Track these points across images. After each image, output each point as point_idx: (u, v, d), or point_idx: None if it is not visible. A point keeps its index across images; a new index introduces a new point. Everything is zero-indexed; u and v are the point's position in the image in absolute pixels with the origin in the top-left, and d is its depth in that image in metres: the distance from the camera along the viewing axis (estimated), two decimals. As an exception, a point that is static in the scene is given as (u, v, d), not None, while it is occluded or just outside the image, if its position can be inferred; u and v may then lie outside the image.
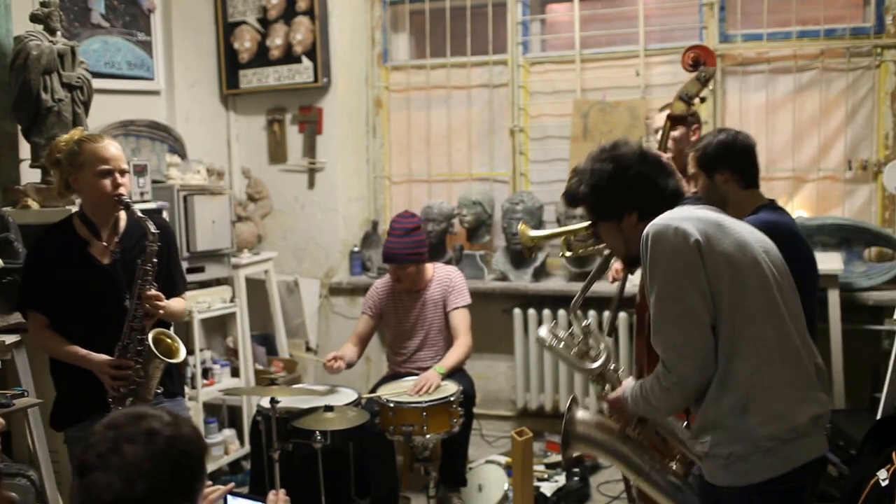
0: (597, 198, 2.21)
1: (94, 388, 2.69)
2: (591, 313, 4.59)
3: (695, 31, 4.68)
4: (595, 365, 2.39)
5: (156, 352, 2.66)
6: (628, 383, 2.25)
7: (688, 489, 2.30)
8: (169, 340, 2.76)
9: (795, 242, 2.79)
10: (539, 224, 4.80)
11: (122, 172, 2.75)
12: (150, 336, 2.69)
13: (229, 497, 1.71)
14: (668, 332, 2.00)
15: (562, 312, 4.66)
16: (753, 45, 4.56)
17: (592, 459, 4.38)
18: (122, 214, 2.81)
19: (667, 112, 3.53)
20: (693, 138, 3.64)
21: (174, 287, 2.94)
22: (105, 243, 2.79)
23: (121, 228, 2.81)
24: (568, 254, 3.20)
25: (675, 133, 3.62)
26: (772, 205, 2.90)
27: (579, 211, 4.67)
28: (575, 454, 2.46)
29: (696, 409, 2.10)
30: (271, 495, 1.61)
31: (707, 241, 1.99)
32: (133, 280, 2.72)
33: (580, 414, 2.43)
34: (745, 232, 2.10)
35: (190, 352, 4.33)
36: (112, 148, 2.75)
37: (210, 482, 1.76)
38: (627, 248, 2.22)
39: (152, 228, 2.69)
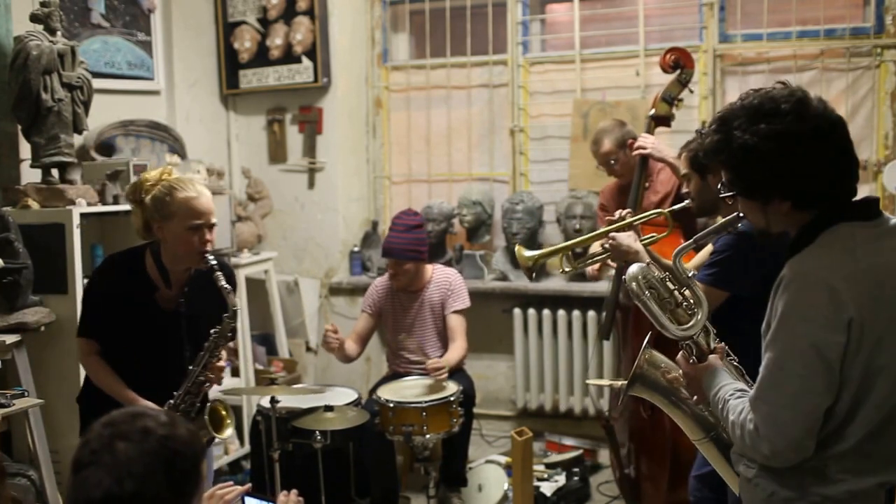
0: (741, 173, 1.77)
1: None
2: (591, 314, 4.59)
3: (695, 31, 4.68)
4: (688, 325, 1.98)
5: (209, 426, 2.60)
6: (713, 368, 1.93)
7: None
8: (223, 413, 2.68)
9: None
10: (539, 224, 4.80)
11: (212, 227, 2.63)
12: (209, 408, 2.64)
13: (246, 498, 1.72)
14: (776, 405, 1.69)
15: (561, 313, 4.66)
16: (753, 45, 4.56)
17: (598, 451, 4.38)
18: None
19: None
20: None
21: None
22: (173, 292, 2.69)
23: (190, 274, 2.70)
24: (567, 269, 3.13)
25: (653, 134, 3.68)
26: None
27: (579, 210, 4.71)
28: (635, 395, 2.17)
29: None
30: (282, 496, 1.61)
31: (860, 314, 1.65)
32: (193, 335, 2.63)
33: (656, 356, 2.13)
34: None
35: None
36: (204, 199, 2.62)
37: (220, 486, 1.76)
38: (769, 226, 1.83)
39: (235, 306, 2.59)
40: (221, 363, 2.65)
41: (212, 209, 2.63)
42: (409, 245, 3.92)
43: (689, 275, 2.00)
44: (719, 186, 1.87)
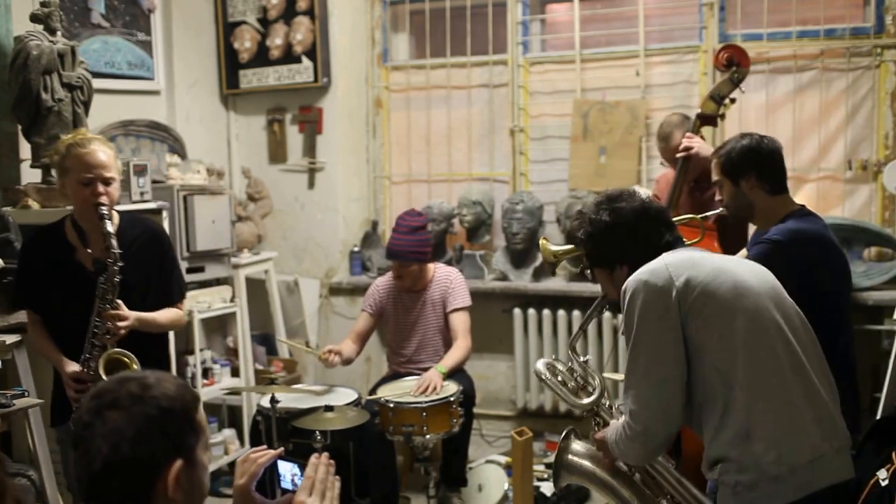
0: (592, 246, 2.30)
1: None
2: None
3: (695, 31, 4.68)
4: (587, 401, 2.42)
5: (104, 375, 2.61)
6: (613, 424, 2.28)
7: None
8: (126, 360, 2.69)
9: (825, 251, 2.69)
10: (539, 224, 4.80)
11: (106, 181, 2.69)
12: (103, 358, 2.65)
13: (279, 461, 1.74)
14: (636, 384, 2.05)
15: (561, 313, 4.66)
16: (753, 45, 4.55)
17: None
18: (116, 221, 2.76)
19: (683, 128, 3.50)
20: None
21: (168, 297, 2.90)
22: (91, 251, 2.77)
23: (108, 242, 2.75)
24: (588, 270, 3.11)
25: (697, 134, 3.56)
26: (801, 211, 2.79)
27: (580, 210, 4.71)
28: (566, 484, 2.50)
29: (705, 442, 2.09)
30: (313, 458, 1.62)
31: (683, 281, 2.04)
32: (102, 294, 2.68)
33: (575, 445, 2.46)
34: (722, 260, 2.17)
35: (190, 352, 4.34)
36: (100, 154, 2.70)
37: (254, 450, 1.78)
38: (617, 295, 2.24)
39: (115, 248, 2.64)
40: (119, 311, 2.66)
41: (105, 164, 2.69)
42: (414, 246, 3.91)
43: (582, 360, 2.51)
44: (581, 266, 2.37)
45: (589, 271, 2.36)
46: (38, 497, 3.24)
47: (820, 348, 2.12)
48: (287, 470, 1.63)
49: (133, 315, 2.70)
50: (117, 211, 2.79)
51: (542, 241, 3.09)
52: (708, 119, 3.54)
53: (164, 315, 2.87)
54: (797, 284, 2.23)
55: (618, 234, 2.23)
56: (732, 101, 3.52)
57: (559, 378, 2.49)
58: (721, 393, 1.99)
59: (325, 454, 1.66)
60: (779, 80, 4.56)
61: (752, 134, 2.84)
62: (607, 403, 2.45)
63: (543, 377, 2.48)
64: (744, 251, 3.00)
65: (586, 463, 2.41)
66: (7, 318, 3.29)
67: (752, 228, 3.25)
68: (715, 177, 2.85)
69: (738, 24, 4.56)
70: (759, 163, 2.76)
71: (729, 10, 4.59)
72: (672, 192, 3.55)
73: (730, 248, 3.31)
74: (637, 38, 4.74)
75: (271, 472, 1.68)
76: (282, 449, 1.78)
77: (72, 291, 2.75)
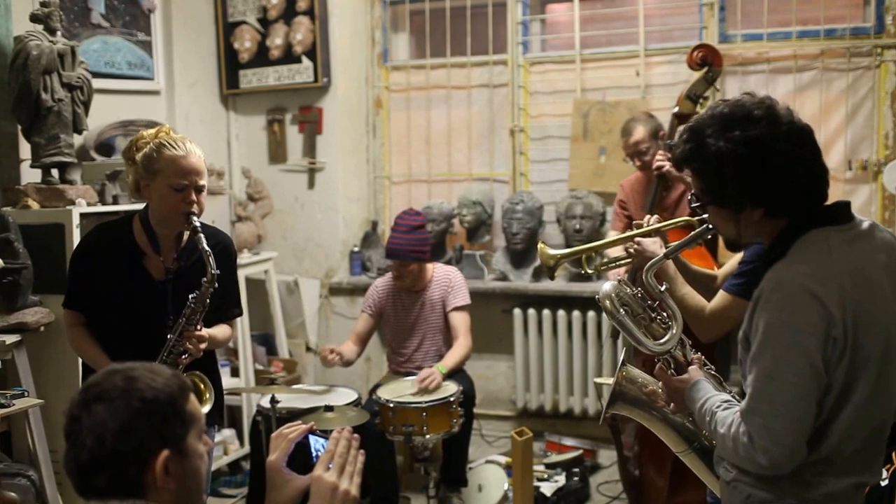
0: (713, 181, 1.78)
1: None
2: (591, 314, 4.59)
3: (695, 31, 4.68)
4: (663, 340, 2.02)
5: None
6: (696, 379, 1.94)
7: None
8: (202, 386, 2.56)
9: None
10: (539, 224, 4.80)
11: (199, 189, 2.50)
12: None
13: (311, 437, 1.74)
14: (770, 416, 1.68)
15: (561, 313, 4.66)
16: (753, 45, 4.56)
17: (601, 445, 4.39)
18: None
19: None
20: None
21: (228, 312, 2.74)
22: (162, 259, 2.57)
23: (182, 243, 2.59)
24: (590, 271, 3.11)
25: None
26: None
27: (579, 210, 4.71)
28: (616, 412, 2.21)
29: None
30: (335, 432, 1.62)
31: (842, 317, 1.66)
32: (180, 304, 2.50)
33: (633, 372, 2.17)
34: (892, 275, 1.75)
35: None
36: (193, 158, 2.50)
37: (286, 426, 1.77)
38: (739, 236, 1.84)
39: (213, 268, 2.46)
40: (201, 332, 2.51)
41: (200, 170, 2.51)
42: (413, 246, 3.91)
43: (661, 290, 2.05)
44: (689, 196, 1.89)
45: (699, 207, 1.88)
46: (38, 497, 3.24)
47: None
48: (320, 445, 1.64)
49: (207, 333, 2.55)
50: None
51: (540, 245, 3.08)
52: (685, 118, 3.58)
53: (222, 332, 2.71)
54: None
55: (757, 168, 1.71)
56: (706, 99, 3.56)
57: (625, 308, 2.04)
58: (818, 425, 1.72)
59: (349, 427, 1.65)
60: (779, 80, 4.56)
61: None
62: (687, 344, 2.06)
63: (609, 306, 2.04)
64: (738, 256, 2.96)
65: (644, 397, 2.14)
66: (7, 318, 3.30)
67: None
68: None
69: (738, 24, 4.57)
70: None
71: (729, 10, 4.59)
72: (650, 202, 3.58)
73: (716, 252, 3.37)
74: (637, 38, 4.74)
75: (304, 447, 1.69)
76: (312, 424, 1.78)
77: (133, 298, 2.55)
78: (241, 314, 2.83)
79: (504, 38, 5.03)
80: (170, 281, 2.56)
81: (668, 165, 3.51)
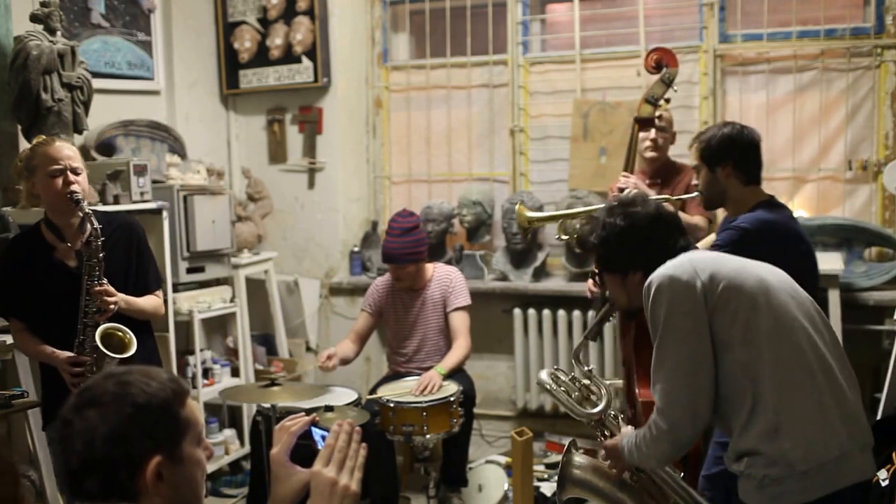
0: (604, 251, 2.28)
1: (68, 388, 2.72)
2: (591, 314, 4.59)
3: (695, 31, 4.68)
4: (594, 410, 2.41)
5: (102, 347, 2.66)
6: (626, 431, 2.29)
7: None
8: (120, 334, 2.74)
9: (790, 241, 2.76)
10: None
11: (75, 171, 2.76)
12: (99, 331, 2.68)
13: (313, 429, 1.74)
14: (664, 380, 2.05)
15: (561, 313, 4.66)
16: (753, 46, 4.56)
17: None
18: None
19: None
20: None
21: (145, 286, 2.94)
22: (69, 245, 2.81)
23: (86, 230, 2.79)
24: (565, 237, 3.19)
25: (644, 134, 3.65)
26: (770, 202, 2.85)
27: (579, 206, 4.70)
28: (569, 497, 2.47)
29: (729, 435, 2.10)
30: (335, 426, 1.61)
31: (707, 276, 2.05)
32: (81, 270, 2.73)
33: (577, 458, 2.45)
34: (742, 259, 2.19)
35: (190, 352, 4.34)
36: (65, 149, 2.77)
37: (289, 419, 1.78)
38: (630, 301, 2.29)
39: (95, 224, 2.69)
40: (106, 288, 2.70)
41: (70, 155, 2.76)
42: (409, 248, 3.91)
43: (587, 369, 2.49)
44: (594, 269, 2.40)
45: (598, 278, 2.41)
46: (38, 497, 3.24)
47: (841, 347, 2.14)
48: (322, 436, 1.64)
49: (119, 295, 2.76)
50: (91, 210, 2.80)
51: (518, 206, 3.11)
52: (645, 122, 3.61)
53: (146, 301, 2.92)
54: None
55: (632, 239, 2.22)
56: (668, 101, 3.58)
57: (563, 388, 2.48)
58: (747, 388, 2.00)
59: (349, 420, 1.65)
60: (779, 80, 4.56)
61: (733, 123, 2.91)
62: (612, 413, 2.44)
63: (548, 387, 2.46)
64: (712, 237, 3.04)
65: (591, 476, 2.40)
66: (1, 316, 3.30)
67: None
68: (693, 162, 2.91)
69: (739, 24, 4.57)
70: (737, 152, 2.83)
71: (729, 10, 4.59)
72: (627, 158, 3.63)
73: None
74: (637, 38, 4.74)
75: (308, 438, 1.69)
76: (314, 416, 1.78)
77: (56, 290, 2.77)
78: (160, 286, 3.03)
79: (504, 38, 5.03)
80: (82, 264, 2.76)
81: (630, 188, 3.49)
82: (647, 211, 2.24)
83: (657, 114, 3.58)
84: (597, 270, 2.38)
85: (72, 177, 2.74)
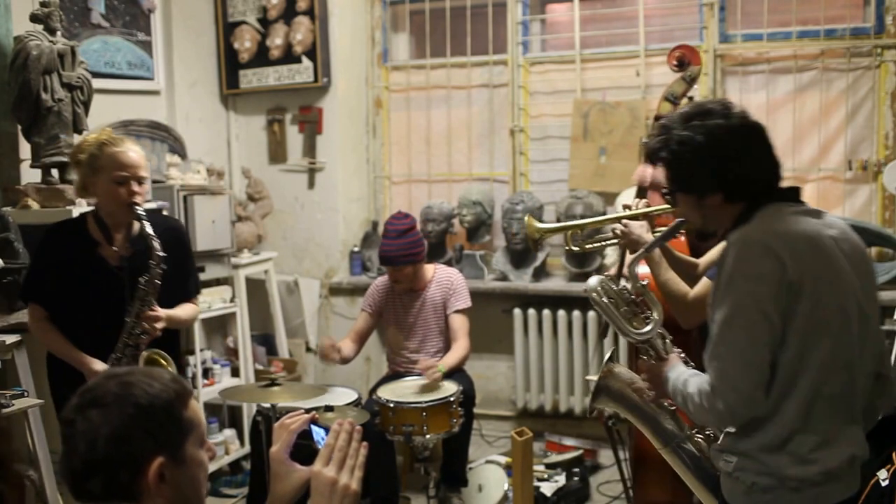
0: (677, 169, 1.97)
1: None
2: (591, 314, 4.59)
3: (695, 31, 4.68)
4: (644, 330, 2.17)
5: None
6: (674, 363, 2.10)
7: (709, 464, 2.17)
8: (163, 363, 2.72)
9: None
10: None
11: (140, 180, 2.72)
12: (143, 357, 2.67)
13: (313, 426, 1.74)
14: (725, 357, 1.84)
15: (561, 313, 4.66)
16: (753, 46, 4.56)
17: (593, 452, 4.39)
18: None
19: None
20: None
21: (185, 292, 2.91)
22: (116, 248, 2.77)
23: (134, 233, 2.78)
24: (575, 248, 3.16)
25: None
26: None
27: (579, 210, 4.71)
28: (601, 407, 2.32)
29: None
30: (335, 425, 1.61)
31: (796, 268, 1.81)
32: (135, 292, 2.68)
33: (618, 369, 2.28)
34: (844, 251, 1.89)
35: (190, 352, 4.33)
36: (132, 153, 2.72)
37: (288, 416, 1.78)
38: (704, 223, 2.03)
39: (158, 251, 2.65)
40: (156, 313, 2.68)
41: (139, 163, 2.72)
42: (405, 250, 3.91)
43: (642, 284, 2.21)
44: (663, 188, 2.08)
45: (670, 196, 2.06)
46: (38, 497, 3.24)
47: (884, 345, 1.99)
48: (321, 436, 1.65)
49: (164, 314, 2.73)
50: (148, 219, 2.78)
51: (527, 218, 3.10)
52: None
53: (185, 311, 2.91)
54: None
55: (711, 157, 1.91)
56: (690, 99, 3.56)
57: (612, 301, 2.20)
58: (772, 397, 1.85)
59: (350, 420, 1.64)
60: (779, 80, 4.56)
61: None
62: (665, 336, 2.20)
63: (596, 297, 2.20)
64: (717, 248, 2.97)
65: (628, 391, 2.24)
66: (7, 318, 3.29)
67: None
68: None
69: (739, 24, 4.57)
70: None
71: (729, 10, 4.59)
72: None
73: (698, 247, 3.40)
74: (637, 38, 4.74)
75: (308, 438, 1.69)
76: (314, 413, 1.78)
77: (92, 286, 2.74)
78: (199, 292, 3.03)
79: (504, 38, 5.03)
80: (125, 268, 2.74)
81: (648, 178, 3.49)
82: (731, 123, 1.92)
83: (676, 111, 3.56)
84: (666, 189, 2.04)
85: (136, 186, 2.70)
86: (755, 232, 1.87)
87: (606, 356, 2.30)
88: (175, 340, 2.98)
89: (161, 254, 2.66)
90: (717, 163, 1.91)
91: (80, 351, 2.73)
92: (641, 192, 3.59)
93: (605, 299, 2.21)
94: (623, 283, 2.26)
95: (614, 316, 2.20)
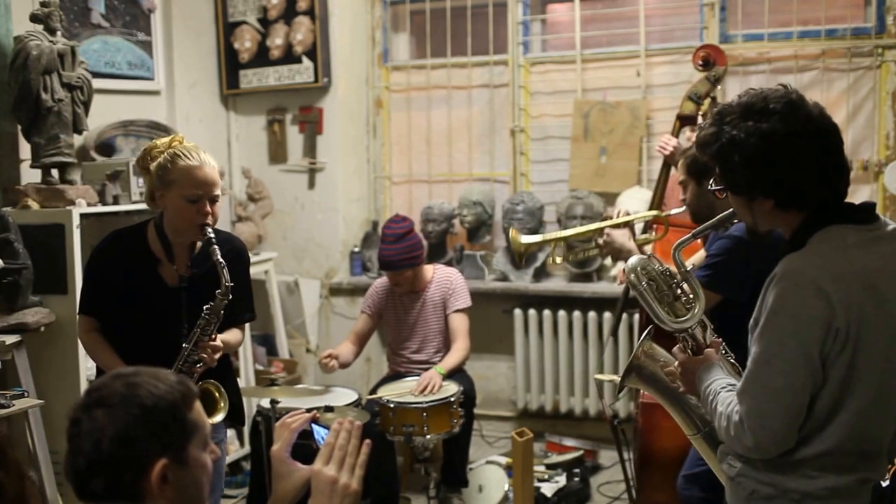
0: (727, 169, 1.80)
1: None
2: (592, 314, 4.59)
3: (696, 31, 4.68)
4: (685, 318, 1.98)
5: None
6: (709, 361, 1.95)
7: None
8: (217, 395, 2.56)
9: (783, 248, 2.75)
10: (539, 225, 4.80)
11: (213, 200, 2.50)
12: (199, 389, 2.58)
13: (314, 425, 1.74)
14: (760, 399, 1.72)
15: (562, 313, 4.65)
16: (754, 46, 4.56)
17: (592, 459, 4.39)
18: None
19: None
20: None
21: (240, 317, 2.73)
22: (176, 267, 2.59)
23: (196, 250, 2.61)
24: (559, 260, 3.14)
25: (690, 133, 3.61)
26: None
27: (580, 210, 4.71)
28: (630, 386, 2.21)
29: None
30: (336, 424, 1.60)
31: (846, 316, 1.68)
32: (195, 312, 2.51)
33: (656, 349, 2.15)
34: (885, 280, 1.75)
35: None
36: (207, 169, 2.50)
37: (289, 415, 1.77)
38: (755, 224, 1.87)
39: (227, 281, 2.46)
40: (216, 343, 2.51)
41: (215, 181, 2.51)
42: (404, 254, 3.91)
43: (688, 268, 2.01)
44: (711, 181, 1.91)
45: (720, 191, 1.89)
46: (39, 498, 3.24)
47: None
48: (322, 435, 1.65)
49: (221, 342, 2.56)
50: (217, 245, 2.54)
51: (512, 232, 3.08)
52: (687, 119, 3.60)
53: (234, 336, 2.72)
54: (755, 282, 2.19)
55: (764, 160, 1.74)
56: (713, 99, 3.55)
57: (652, 285, 2.02)
58: (808, 429, 1.75)
59: (350, 418, 1.64)
60: (780, 80, 4.51)
61: None
62: (708, 327, 2.04)
63: (634, 280, 2.02)
64: (701, 253, 2.98)
65: (661, 374, 2.12)
66: (7, 318, 3.29)
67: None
68: (680, 176, 2.88)
69: (739, 24, 4.56)
70: None
71: (730, 10, 4.58)
72: (655, 191, 3.61)
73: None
74: (638, 38, 4.74)
75: (308, 438, 1.69)
76: (315, 412, 1.77)
77: (148, 305, 2.57)
78: (253, 318, 2.83)
79: (504, 38, 5.03)
80: (183, 288, 2.57)
81: (671, 149, 3.51)
82: (790, 128, 1.72)
83: (700, 111, 3.55)
84: (714, 186, 1.89)
85: (209, 207, 2.49)
86: (807, 266, 1.71)
87: (644, 334, 2.16)
88: (227, 367, 2.78)
89: (229, 284, 2.46)
90: (768, 170, 1.74)
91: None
92: (667, 167, 3.59)
93: (644, 283, 2.01)
94: (664, 265, 2.07)
95: (651, 301, 2.00)
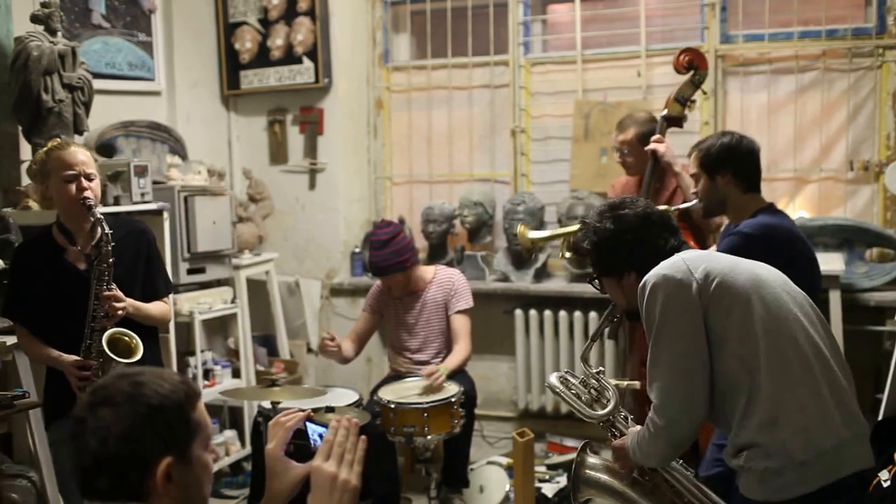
0: (597, 255, 2.31)
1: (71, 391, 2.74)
2: (593, 314, 4.59)
3: (696, 31, 4.67)
4: (603, 412, 2.41)
5: (108, 351, 2.67)
6: (632, 431, 2.30)
7: None
8: (126, 339, 2.76)
9: (794, 245, 2.82)
10: (540, 225, 4.79)
11: (88, 177, 2.78)
12: (105, 336, 2.70)
13: (308, 424, 1.75)
14: (660, 376, 2.08)
15: (563, 314, 4.65)
16: (755, 46, 4.56)
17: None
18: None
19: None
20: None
21: (155, 291, 2.96)
22: (80, 248, 2.83)
23: (97, 233, 2.80)
24: (568, 255, 3.20)
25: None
26: (770, 208, 2.91)
27: (581, 211, 4.71)
28: (585, 499, 2.49)
29: (726, 432, 2.13)
30: (333, 422, 1.61)
31: (701, 274, 2.08)
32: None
33: (590, 458, 2.47)
34: (735, 257, 2.22)
35: (191, 353, 4.33)
36: (79, 154, 2.80)
37: (283, 414, 1.79)
38: (628, 302, 2.30)
39: (105, 228, 2.71)
40: (115, 293, 2.72)
41: (84, 161, 2.79)
42: (390, 259, 3.91)
43: (595, 371, 2.48)
44: (590, 278, 2.41)
45: (597, 281, 2.39)
46: (39, 498, 3.24)
47: (835, 338, 2.18)
48: (317, 433, 1.66)
49: (128, 300, 2.77)
50: (102, 215, 2.82)
51: (520, 228, 3.14)
52: (673, 121, 3.69)
53: (155, 307, 2.94)
54: None
55: (623, 242, 2.25)
56: (693, 102, 3.63)
57: (573, 391, 2.49)
58: (745, 381, 2.02)
59: (348, 416, 1.65)
60: (780, 80, 4.55)
61: (732, 133, 2.99)
62: (622, 414, 2.45)
63: (558, 390, 2.49)
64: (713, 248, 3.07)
65: (604, 476, 2.42)
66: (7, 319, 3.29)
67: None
68: (693, 170, 2.97)
69: (740, 24, 4.56)
70: (736, 160, 2.89)
71: (730, 10, 4.58)
72: (645, 191, 3.64)
73: (699, 244, 3.47)
74: (638, 38, 4.74)
75: (303, 434, 1.70)
76: (309, 411, 1.78)
77: (64, 293, 2.79)
78: (169, 292, 3.06)
79: (505, 38, 5.03)
80: (90, 269, 2.77)
81: (662, 150, 3.57)
82: (636, 212, 2.26)
83: (685, 113, 3.65)
84: (594, 275, 2.39)
85: (85, 182, 2.77)
86: (656, 269, 2.18)
87: (579, 448, 2.52)
88: (153, 338, 3.00)
89: (109, 231, 2.70)
90: (627, 246, 2.26)
91: (56, 350, 2.79)
92: (654, 166, 3.63)
93: (565, 391, 2.48)
94: (585, 368, 2.52)
95: (573, 404, 2.46)
